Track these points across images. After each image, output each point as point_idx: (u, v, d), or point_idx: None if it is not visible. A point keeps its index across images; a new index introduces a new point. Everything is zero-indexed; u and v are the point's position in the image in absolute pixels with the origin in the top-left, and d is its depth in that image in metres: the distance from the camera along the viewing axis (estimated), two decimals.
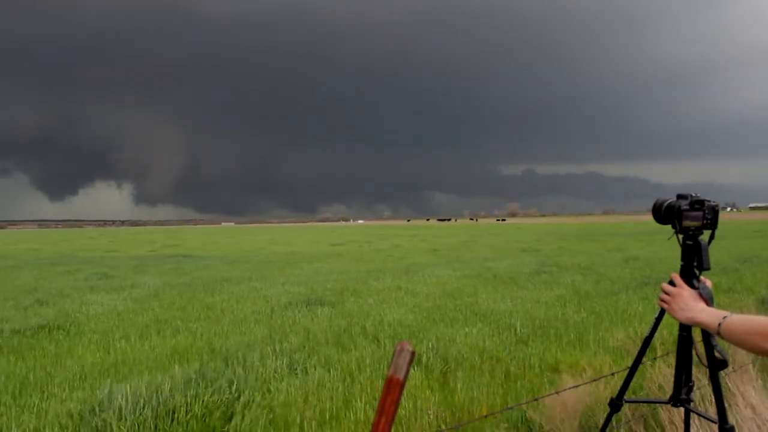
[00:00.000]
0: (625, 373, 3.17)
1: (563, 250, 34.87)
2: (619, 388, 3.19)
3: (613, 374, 4.62)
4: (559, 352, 8.53)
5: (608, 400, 3.23)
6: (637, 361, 3.10)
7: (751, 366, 5.46)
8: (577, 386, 4.06)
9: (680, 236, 2.78)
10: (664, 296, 2.57)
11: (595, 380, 4.34)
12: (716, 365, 2.86)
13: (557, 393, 3.88)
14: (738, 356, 5.82)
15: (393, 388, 1.84)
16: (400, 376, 1.83)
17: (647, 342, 3.07)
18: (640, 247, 36.15)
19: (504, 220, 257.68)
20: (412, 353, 1.84)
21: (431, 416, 5.89)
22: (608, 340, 9.17)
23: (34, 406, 6.69)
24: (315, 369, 7.69)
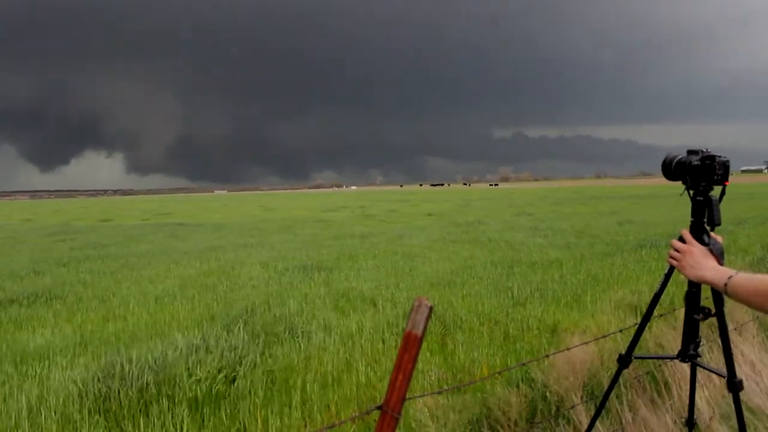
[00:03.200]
0: (633, 330, 3.18)
1: (557, 214, 34.98)
2: (626, 345, 3.19)
3: (621, 331, 4.64)
4: (557, 313, 8.57)
5: (616, 357, 3.24)
6: (646, 318, 3.10)
7: (751, 323, 5.50)
8: (585, 343, 4.07)
9: (691, 192, 2.75)
10: (674, 253, 2.55)
11: (603, 336, 4.35)
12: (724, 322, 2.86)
13: (568, 350, 3.88)
14: (737, 314, 5.86)
15: (411, 344, 1.83)
16: (418, 331, 1.81)
17: (656, 298, 3.06)
18: (634, 210, 36.28)
19: (497, 184, 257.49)
20: (430, 308, 1.82)
21: (433, 377, 5.93)
22: (606, 301, 9.21)
23: (36, 374, 6.70)
24: (315, 333, 7.71)
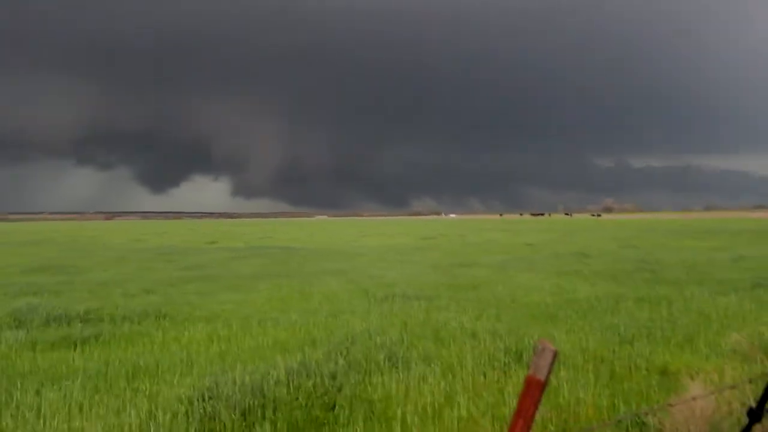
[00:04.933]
0: (764, 380, 2.95)
1: (664, 247, 33.57)
2: (756, 397, 2.95)
3: (750, 381, 4.33)
4: (667, 354, 8.16)
5: (746, 411, 3.00)
6: None
7: None
8: (712, 393, 3.81)
9: None
10: None
11: (731, 387, 4.06)
12: None
13: (693, 400, 3.64)
14: None
15: (533, 389, 1.74)
16: (541, 376, 1.73)
17: None
18: (750, 246, 34.31)
19: (599, 215, 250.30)
20: (555, 353, 1.73)
21: (536, 416, 5.72)
22: (721, 343, 8.70)
23: (146, 390, 6.93)
24: (415, 364, 7.63)
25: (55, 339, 9.95)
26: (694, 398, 3.55)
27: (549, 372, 1.70)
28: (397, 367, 7.50)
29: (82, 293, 16.01)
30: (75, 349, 9.40)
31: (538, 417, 5.75)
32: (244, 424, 5.63)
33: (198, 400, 6.01)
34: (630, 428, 5.10)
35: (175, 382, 7.24)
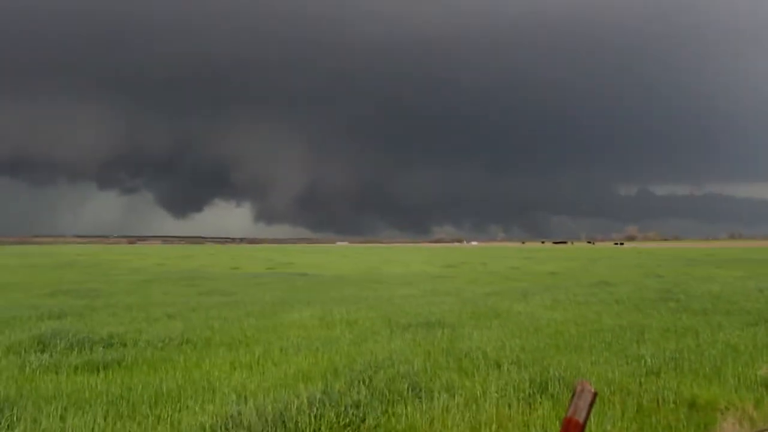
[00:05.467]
0: None
1: (689, 276, 33.18)
2: None
3: None
4: (695, 386, 8.01)
5: None
6: None
7: None
8: None
9: None
10: None
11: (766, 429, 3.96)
12: None
13: None
14: None
15: (572, 431, 1.70)
16: (580, 418, 1.69)
17: None
18: None
19: (623, 243, 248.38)
20: (594, 394, 1.70)
21: None
22: (750, 376, 8.54)
23: (168, 417, 6.91)
24: (439, 394, 7.55)
25: (78, 363, 10.00)
26: None
27: (588, 414, 1.66)
28: (420, 398, 7.42)
29: (106, 317, 16.11)
30: (98, 374, 9.42)
31: None
32: None
33: (221, 428, 5.98)
34: None
35: (197, 409, 7.21)
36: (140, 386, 8.38)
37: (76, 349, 11.16)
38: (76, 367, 9.79)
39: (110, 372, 9.57)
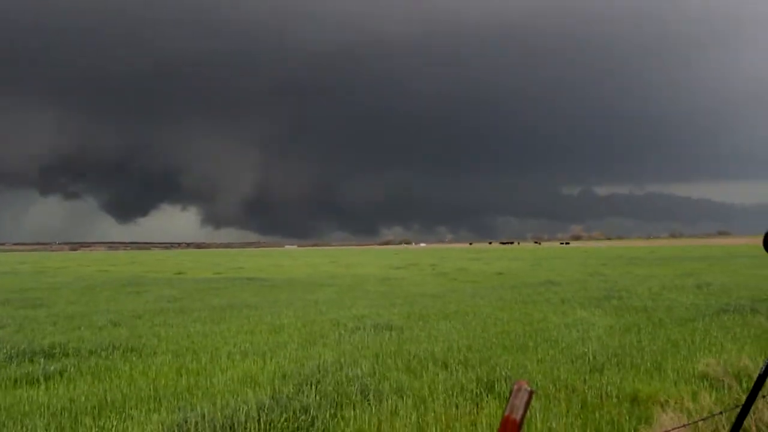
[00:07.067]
0: (735, 411, 2.98)
1: (631, 275, 33.97)
2: (728, 427, 2.99)
3: (721, 413, 4.37)
4: (637, 381, 8.23)
5: None
6: (750, 401, 2.89)
7: None
8: (685, 425, 3.84)
9: None
10: None
11: (703, 419, 4.10)
12: None
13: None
14: None
15: (509, 429, 1.74)
16: (517, 416, 1.73)
17: (761, 380, 2.86)
18: (713, 272, 34.91)
19: (568, 243, 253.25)
20: (530, 393, 1.74)
21: None
22: (689, 369, 8.81)
23: (112, 427, 6.78)
24: (388, 396, 7.58)
25: (18, 375, 9.70)
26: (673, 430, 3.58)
27: (525, 412, 1.71)
28: (369, 400, 7.44)
29: (47, 327, 15.69)
30: (39, 386, 9.17)
31: None
32: None
33: None
34: None
35: (142, 418, 7.09)
36: (83, 397, 8.19)
37: (15, 361, 10.83)
38: (16, 380, 9.51)
39: (52, 383, 9.31)
